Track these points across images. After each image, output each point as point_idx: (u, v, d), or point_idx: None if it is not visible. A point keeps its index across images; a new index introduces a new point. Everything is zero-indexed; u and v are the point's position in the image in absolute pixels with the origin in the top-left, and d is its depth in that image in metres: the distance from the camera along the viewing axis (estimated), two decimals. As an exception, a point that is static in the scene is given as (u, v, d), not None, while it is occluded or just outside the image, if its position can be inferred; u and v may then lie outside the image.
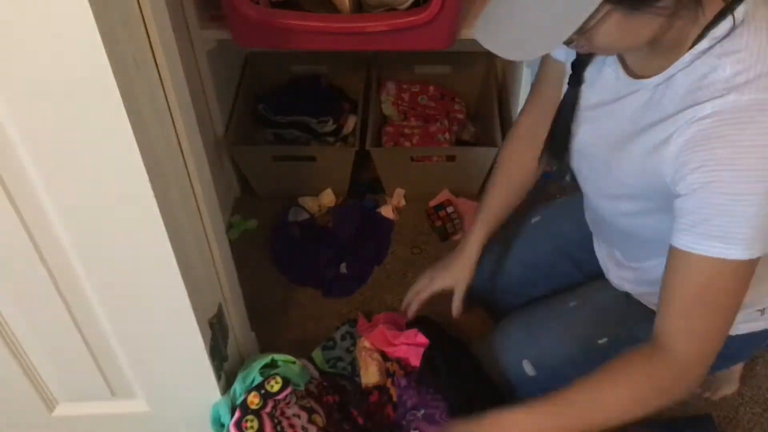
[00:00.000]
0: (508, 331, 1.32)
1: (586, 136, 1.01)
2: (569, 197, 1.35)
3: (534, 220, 1.36)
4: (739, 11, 0.77)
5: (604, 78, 0.95)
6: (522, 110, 1.21)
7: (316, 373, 1.38)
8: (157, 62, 0.83)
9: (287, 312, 1.61)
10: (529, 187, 1.23)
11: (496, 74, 1.90)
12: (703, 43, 0.79)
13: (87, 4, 0.64)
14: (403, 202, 1.82)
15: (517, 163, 1.21)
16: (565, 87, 1.01)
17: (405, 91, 1.92)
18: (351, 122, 1.85)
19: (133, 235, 0.88)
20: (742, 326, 1.09)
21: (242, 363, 1.28)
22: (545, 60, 1.08)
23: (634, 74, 0.89)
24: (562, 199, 1.41)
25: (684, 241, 0.81)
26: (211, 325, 1.12)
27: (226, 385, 1.23)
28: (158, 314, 1.01)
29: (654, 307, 1.10)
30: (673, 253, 0.83)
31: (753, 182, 0.75)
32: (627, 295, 1.20)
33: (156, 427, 1.25)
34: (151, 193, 0.82)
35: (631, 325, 1.17)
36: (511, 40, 0.74)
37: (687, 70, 0.81)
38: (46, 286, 0.93)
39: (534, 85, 1.16)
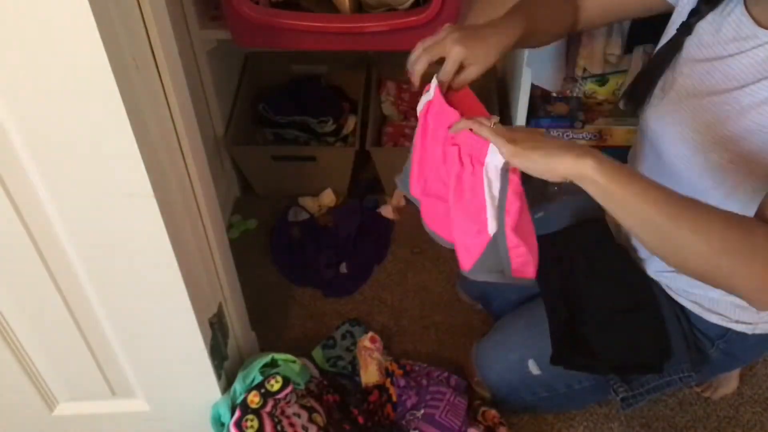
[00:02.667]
0: (510, 329, 1.31)
1: (685, 86, 0.97)
2: (572, 197, 1.35)
3: (537, 215, 1.36)
4: None
5: (721, 31, 0.92)
6: None
7: (316, 372, 1.38)
8: (157, 62, 0.83)
9: (287, 312, 1.61)
10: (561, 31, 1.08)
11: (496, 74, 1.90)
12: None
13: (87, 5, 0.64)
14: (403, 202, 1.82)
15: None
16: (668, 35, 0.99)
17: (405, 91, 1.92)
18: (351, 122, 1.85)
19: (134, 234, 0.88)
20: (762, 326, 1.09)
21: (242, 362, 1.29)
22: None
23: (763, 25, 0.87)
24: (566, 198, 1.41)
25: None
26: (211, 324, 1.12)
27: (226, 385, 1.23)
28: (158, 314, 1.01)
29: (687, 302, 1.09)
30: None
31: None
32: None
33: (156, 426, 1.25)
34: (151, 193, 0.82)
35: None
36: None
37: None
38: (47, 285, 0.93)
39: None
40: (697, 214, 0.75)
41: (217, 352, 1.16)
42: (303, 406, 1.21)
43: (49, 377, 1.12)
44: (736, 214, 0.76)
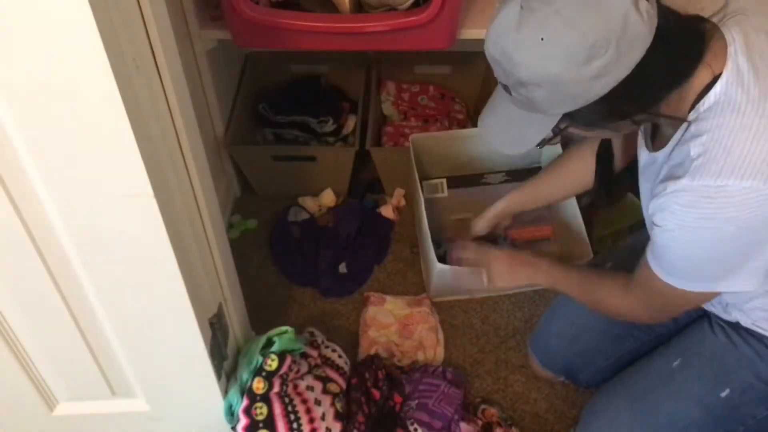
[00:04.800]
0: (612, 407, 1.18)
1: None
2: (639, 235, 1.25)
3: (608, 265, 1.27)
4: (714, 92, 0.82)
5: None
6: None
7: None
8: (157, 62, 0.83)
9: (287, 312, 1.61)
10: (581, 188, 1.31)
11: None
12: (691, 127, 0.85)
13: (87, 5, 0.64)
14: (403, 202, 1.82)
15: (576, 159, 1.28)
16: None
17: (405, 91, 1.92)
18: (351, 122, 1.85)
19: (133, 235, 0.88)
20: None
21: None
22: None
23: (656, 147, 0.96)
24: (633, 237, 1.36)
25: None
26: (211, 324, 1.12)
27: (226, 385, 1.23)
28: (158, 314, 1.01)
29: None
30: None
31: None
32: (734, 336, 1.09)
33: (156, 426, 1.25)
34: (151, 193, 0.82)
35: (751, 366, 1.06)
36: (502, 142, 0.97)
37: (678, 147, 0.88)
38: (47, 285, 0.93)
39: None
40: (572, 287, 1.18)
41: (217, 352, 1.16)
42: (317, 377, 1.20)
43: (49, 377, 1.12)
44: (591, 279, 1.15)
